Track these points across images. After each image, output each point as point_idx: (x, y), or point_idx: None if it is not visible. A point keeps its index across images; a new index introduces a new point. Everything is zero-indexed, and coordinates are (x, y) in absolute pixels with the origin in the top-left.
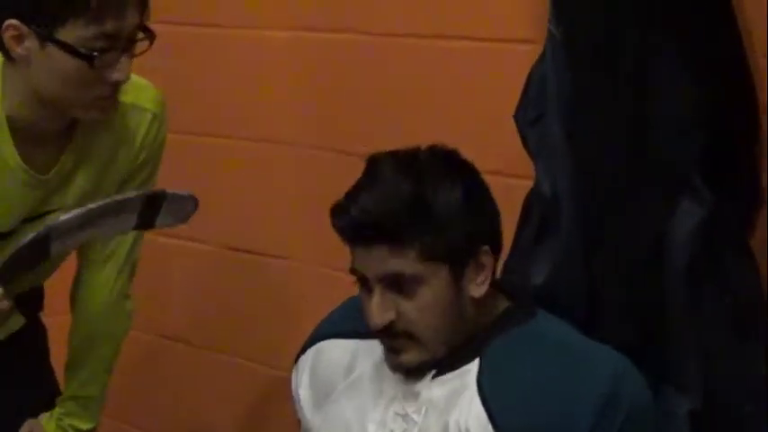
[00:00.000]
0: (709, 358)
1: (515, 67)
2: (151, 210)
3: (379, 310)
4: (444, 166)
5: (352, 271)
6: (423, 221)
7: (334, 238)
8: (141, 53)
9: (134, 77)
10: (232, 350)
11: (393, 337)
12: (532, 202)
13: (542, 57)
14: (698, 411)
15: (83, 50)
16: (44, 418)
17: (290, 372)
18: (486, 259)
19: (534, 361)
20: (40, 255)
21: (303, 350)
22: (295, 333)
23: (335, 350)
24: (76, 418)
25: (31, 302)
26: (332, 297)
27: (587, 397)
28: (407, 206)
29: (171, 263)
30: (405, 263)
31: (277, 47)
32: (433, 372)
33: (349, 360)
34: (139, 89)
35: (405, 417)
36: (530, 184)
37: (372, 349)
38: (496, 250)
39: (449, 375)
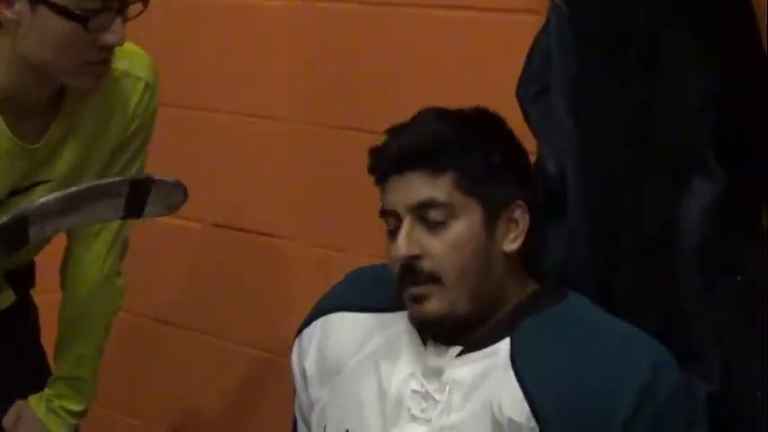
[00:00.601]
0: (723, 341)
1: (518, 39)
2: (138, 197)
3: (406, 240)
4: (490, 119)
5: (382, 213)
6: (464, 148)
7: (325, 216)
8: (135, 16)
9: (127, 44)
10: (220, 332)
11: (415, 281)
12: (536, 178)
13: (545, 28)
14: (716, 393)
15: (77, 12)
16: (33, 399)
17: (280, 354)
18: (521, 215)
19: (570, 341)
20: (17, 239)
21: (307, 322)
22: (285, 314)
23: (346, 324)
24: (67, 400)
25: (21, 280)
26: (323, 277)
27: (628, 384)
28: (450, 131)
29: (157, 240)
30: (440, 189)
31: (271, 16)
32: (459, 349)
33: (360, 335)
34: (133, 57)
35: (424, 395)
36: (532, 159)
37: (386, 324)
38: (532, 212)
39: (477, 354)
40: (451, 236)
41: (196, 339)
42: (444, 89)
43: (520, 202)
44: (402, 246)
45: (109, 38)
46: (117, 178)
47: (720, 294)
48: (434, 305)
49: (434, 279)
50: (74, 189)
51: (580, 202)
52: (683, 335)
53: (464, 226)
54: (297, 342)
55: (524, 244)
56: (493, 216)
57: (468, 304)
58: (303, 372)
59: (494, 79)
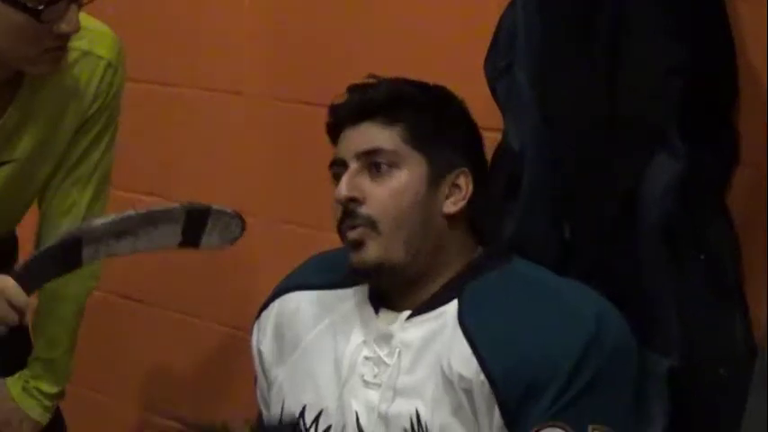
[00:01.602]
0: (686, 317)
1: (485, 14)
2: (195, 225)
3: (348, 184)
4: (448, 93)
5: (331, 164)
6: (418, 106)
7: (293, 193)
8: (89, 1)
9: (92, 23)
10: (189, 309)
11: (353, 225)
12: (500, 157)
13: (512, 5)
14: (677, 369)
15: (29, 4)
16: (11, 380)
17: (245, 330)
18: (465, 182)
19: (516, 298)
20: (71, 260)
21: (265, 305)
22: (254, 291)
23: (302, 302)
24: (42, 381)
25: (4, 258)
26: (291, 253)
27: (572, 334)
28: (407, 90)
29: None
30: (388, 139)
31: None
32: (407, 313)
33: (316, 311)
34: (95, 35)
35: (376, 360)
36: (499, 136)
37: (341, 298)
38: (477, 183)
39: (425, 316)
40: (393, 184)
41: (165, 317)
42: (413, 64)
43: (465, 169)
44: (343, 187)
45: (64, 27)
46: (174, 205)
47: (683, 271)
48: (370, 251)
49: (371, 224)
50: (130, 213)
51: (537, 174)
52: (645, 311)
53: (406, 177)
54: (256, 325)
55: (472, 212)
56: (437, 175)
57: (403, 253)
58: (260, 354)
59: (462, 55)
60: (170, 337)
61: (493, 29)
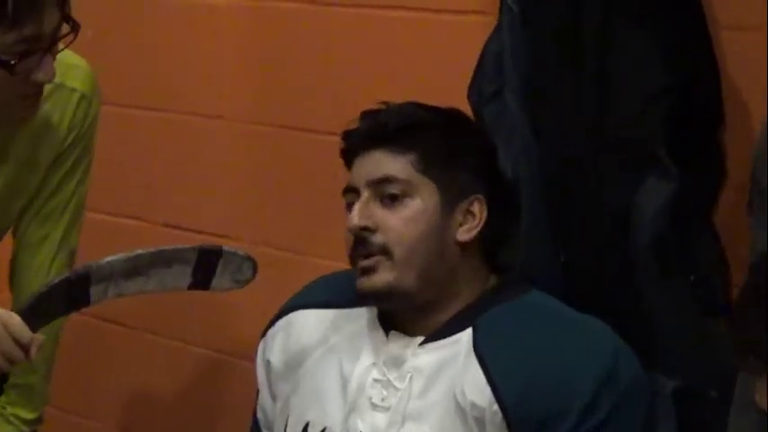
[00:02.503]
0: (682, 338)
1: (468, 40)
2: (206, 266)
3: (360, 212)
4: (461, 116)
5: (344, 191)
6: (428, 131)
7: (276, 217)
8: (64, 48)
9: (64, 55)
10: (171, 332)
11: (366, 254)
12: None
13: (497, 30)
14: (682, 389)
15: (2, 57)
16: None
17: (231, 354)
18: (479, 209)
19: (532, 329)
20: (78, 298)
21: (272, 322)
22: (236, 314)
23: (310, 319)
24: (19, 407)
25: None
26: (270, 276)
27: (589, 369)
28: (418, 114)
29: (107, 241)
30: (400, 167)
31: (220, 16)
32: (421, 339)
33: (323, 329)
34: (67, 68)
35: (385, 383)
36: None
37: (349, 318)
38: (492, 209)
39: (439, 343)
40: (406, 212)
41: (147, 340)
42: (394, 90)
43: (479, 196)
44: (355, 216)
45: (39, 76)
46: (185, 245)
47: (675, 291)
48: (381, 277)
49: (384, 252)
50: (140, 252)
51: (534, 201)
52: (643, 333)
53: (419, 205)
54: (262, 342)
55: (485, 239)
56: (449, 203)
57: (415, 282)
58: (268, 365)
59: (444, 81)
60: (152, 361)
61: (475, 56)
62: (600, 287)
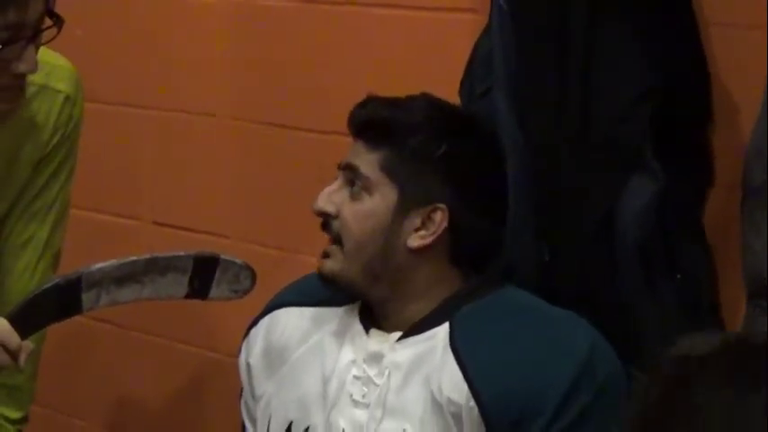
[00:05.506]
0: (666, 338)
1: (459, 38)
2: (203, 275)
3: (326, 197)
4: (461, 117)
5: (339, 167)
6: (410, 131)
7: (263, 214)
8: (48, 41)
9: (49, 56)
10: (161, 331)
11: (328, 239)
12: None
13: (487, 29)
14: None
15: None
16: None
17: (219, 351)
18: (439, 218)
19: (508, 323)
20: (70, 304)
21: (255, 322)
22: (224, 311)
23: (292, 317)
24: (4, 407)
25: None
26: (261, 274)
27: (564, 365)
28: (401, 115)
29: (96, 238)
30: (367, 162)
31: (206, 12)
32: (398, 335)
33: (306, 326)
34: (52, 69)
35: (365, 379)
36: None
37: (331, 316)
38: (457, 224)
39: (416, 338)
40: (360, 207)
41: (139, 339)
42: (385, 89)
43: (442, 205)
44: (320, 200)
45: (21, 67)
46: (181, 253)
47: (661, 292)
48: (330, 264)
49: (338, 239)
50: (133, 258)
51: (520, 201)
52: (627, 332)
53: (374, 204)
54: (245, 341)
55: (453, 244)
56: (406, 207)
57: (360, 276)
58: (248, 368)
59: (435, 79)
60: (139, 359)
61: (465, 53)
62: (584, 286)
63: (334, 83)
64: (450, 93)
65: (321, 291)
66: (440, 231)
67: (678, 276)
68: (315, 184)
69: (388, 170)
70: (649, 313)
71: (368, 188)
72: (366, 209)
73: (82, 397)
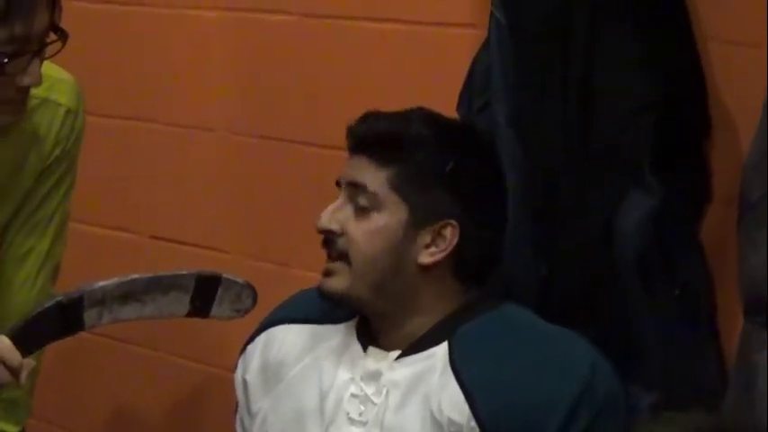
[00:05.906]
0: (666, 351)
1: (457, 53)
2: (205, 294)
3: (330, 215)
4: (462, 130)
5: (337, 183)
6: (417, 147)
7: (261, 229)
8: (53, 55)
9: (51, 69)
10: (157, 345)
11: (330, 257)
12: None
13: (486, 44)
14: (657, 406)
15: None
16: None
17: (216, 366)
18: (450, 234)
19: (508, 341)
20: (71, 322)
21: (252, 338)
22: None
23: (289, 334)
24: (2, 421)
25: None
26: (259, 289)
27: (565, 385)
28: (406, 130)
29: (93, 252)
30: (374, 179)
31: (206, 27)
32: (397, 353)
33: (303, 344)
34: (54, 82)
35: (362, 398)
36: None
37: (328, 334)
38: (466, 239)
39: (415, 357)
40: (369, 225)
41: (138, 353)
42: (383, 104)
43: (453, 221)
44: (324, 218)
45: (26, 80)
46: (183, 271)
47: (660, 306)
48: (336, 282)
49: (345, 258)
50: (135, 276)
51: (519, 214)
52: (625, 346)
53: (384, 221)
54: (241, 358)
55: (459, 261)
56: (418, 223)
57: (368, 293)
58: (245, 384)
59: (432, 94)
60: (136, 372)
61: (463, 68)
62: (582, 300)
63: (333, 97)
64: (448, 107)
65: (318, 307)
66: (451, 247)
67: (677, 291)
68: (314, 199)
69: (398, 187)
70: (648, 327)
71: (376, 206)
72: (376, 226)
73: (80, 411)
